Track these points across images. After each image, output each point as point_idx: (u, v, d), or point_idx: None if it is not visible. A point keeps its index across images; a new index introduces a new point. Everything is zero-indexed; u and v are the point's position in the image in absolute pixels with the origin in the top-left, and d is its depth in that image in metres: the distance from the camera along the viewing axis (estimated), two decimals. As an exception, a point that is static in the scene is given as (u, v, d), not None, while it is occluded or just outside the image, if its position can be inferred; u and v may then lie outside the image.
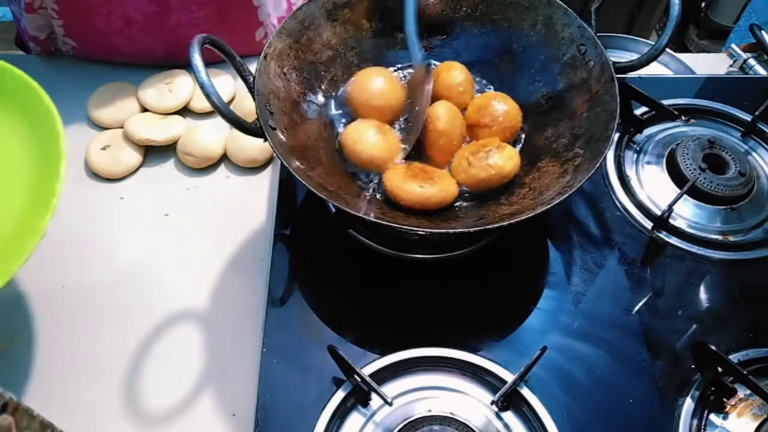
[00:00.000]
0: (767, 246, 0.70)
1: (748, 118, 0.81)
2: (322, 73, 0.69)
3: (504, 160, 0.61)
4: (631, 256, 0.69)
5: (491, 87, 0.71)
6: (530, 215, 0.54)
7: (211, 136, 0.77)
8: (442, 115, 0.64)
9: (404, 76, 0.72)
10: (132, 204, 0.75)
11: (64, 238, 0.72)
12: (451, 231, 0.56)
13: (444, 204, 0.61)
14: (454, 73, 0.68)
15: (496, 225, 0.54)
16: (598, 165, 0.56)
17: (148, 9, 0.79)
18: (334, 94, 0.69)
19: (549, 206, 0.54)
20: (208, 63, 0.54)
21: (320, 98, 0.68)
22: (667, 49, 0.92)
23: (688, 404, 0.58)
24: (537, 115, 0.67)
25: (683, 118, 0.79)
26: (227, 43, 0.59)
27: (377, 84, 0.66)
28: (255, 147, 0.76)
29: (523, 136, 0.67)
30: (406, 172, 0.61)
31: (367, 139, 0.62)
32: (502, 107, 0.65)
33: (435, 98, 0.66)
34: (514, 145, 0.66)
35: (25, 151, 0.60)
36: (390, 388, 0.58)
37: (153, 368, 0.63)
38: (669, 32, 0.61)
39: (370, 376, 0.56)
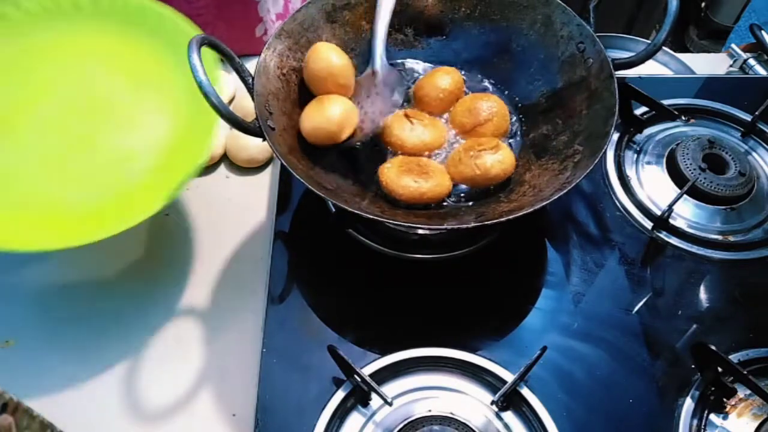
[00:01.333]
0: (767, 246, 0.70)
1: (748, 118, 0.81)
2: (322, 73, 0.69)
3: (492, 162, 0.60)
4: (631, 256, 0.69)
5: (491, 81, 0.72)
6: (528, 211, 0.54)
7: (211, 136, 0.77)
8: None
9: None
10: (132, 204, 0.75)
11: (64, 238, 0.72)
12: (449, 227, 0.56)
13: (439, 198, 0.61)
14: (442, 78, 0.68)
15: (494, 221, 0.54)
16: (597, 161, 0.56)
17: None
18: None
19: (548, 201, 0.54)
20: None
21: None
22: (668, 50, 0.93)
23: (688, 404, 0.58)
24: (537, 114, 0.67)
25: (683, 118, 0.79)
26: (227, 39, 0.59)
27: (327, 58, 0.64)
28: (255, 147, 0.76)
29: (522, 134, 0.67)
30: (401, 167, 0.61)
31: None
32: (488, 106, 0.65)
33: (419, 100, 0.68)
34: (512, 142, 0.66)
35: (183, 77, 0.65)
36: (390, 388, 0.58)
37: (153, 368, 0.63)
38: (667, 27, 0.60)
39: (370, 376, 0.56)
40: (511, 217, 0.54)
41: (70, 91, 0.67)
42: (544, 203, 0.54)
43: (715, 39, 1.80)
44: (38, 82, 0.68)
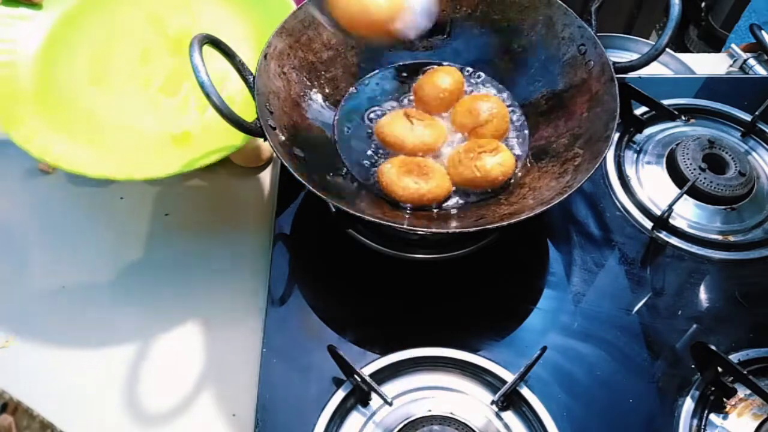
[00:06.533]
0: (767, 246, 0.70)
1: (748, 118, 0.81)
2: (322, 72, 0.69)
3: (492, 164, 0.60)
4: (631, 256, 0.69)
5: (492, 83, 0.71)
6: (529, 215, 0.54)
7: (212, 135, 0.77)
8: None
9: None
10: (132, 204, 0.75)
11: (63, 237, 0.72)
12: (450, 231, 0.56)
13: (439, 199, 0.61)
14: (442, 78, 0.67)
15: (495, 225, 0.54)
16: (597, 165, 0.56)
17: None
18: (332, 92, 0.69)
19: (548, 206, 0.54)
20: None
21: (320, 98, 0.68)
22: (668, 50, 0.92)
23: (688, 404, 0.58)
24: (537, 115, 0.67)
25: (683, 118, 0.79)
26: None
27: None
28: (255, 147, 0.76)
29: (524, 135, 0.67)
30: (402, 167, 0.61)
31: None
32: (488, 107, 0.65)
33: (419, 99, 0.68)
34: (512, 144, 0.66)
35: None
36: (390, 388, 0.58)
37: (153, 368, 0.63)
38: (669, 32, 0.60)
39: (370, 376, 0.56)
40: (512, 221, 0.54)
41: (152, 30, 0.74)
42: (545, 208, 0.54)
43: (714, 41, 1.79)
44: (122, 28, 0.74)
